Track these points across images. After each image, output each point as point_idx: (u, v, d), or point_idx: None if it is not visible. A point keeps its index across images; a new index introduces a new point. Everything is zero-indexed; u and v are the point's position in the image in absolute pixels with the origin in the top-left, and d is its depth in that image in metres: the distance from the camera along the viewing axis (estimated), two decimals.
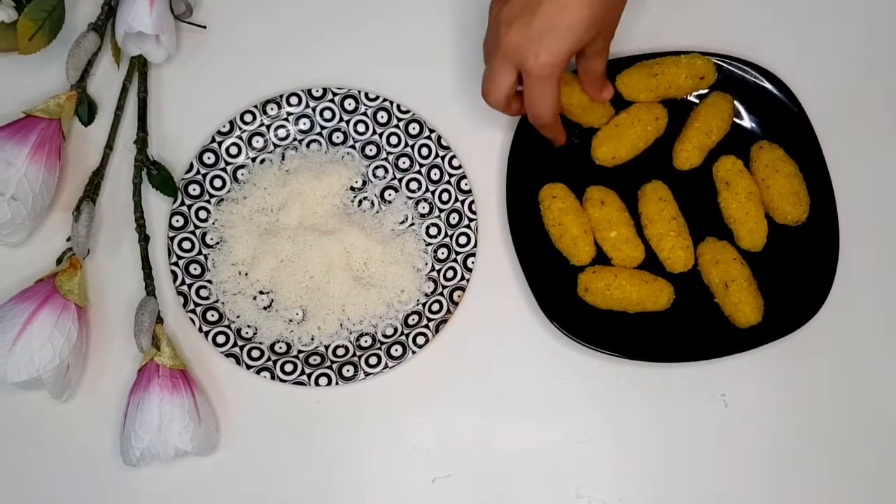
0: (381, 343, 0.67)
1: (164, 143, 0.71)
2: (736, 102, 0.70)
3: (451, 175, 0.70)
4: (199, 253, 0.69)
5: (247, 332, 0.67)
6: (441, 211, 0.70)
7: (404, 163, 0.71)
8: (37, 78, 0.72)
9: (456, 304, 0.67)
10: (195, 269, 0.69)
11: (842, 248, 0.66)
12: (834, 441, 0.65)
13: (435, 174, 0.71)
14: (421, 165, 0.71)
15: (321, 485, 0.65)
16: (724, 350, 0.65)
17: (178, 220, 0.69)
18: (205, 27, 0.73)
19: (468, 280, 0.68)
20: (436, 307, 0.68)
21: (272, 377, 0.65)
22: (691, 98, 0.71)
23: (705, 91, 0.70)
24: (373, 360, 0.66)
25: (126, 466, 0.62)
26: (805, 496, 0.64)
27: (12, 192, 0.64)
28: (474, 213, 0.69)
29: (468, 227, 0.69)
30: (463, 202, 0.70)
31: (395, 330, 0.67)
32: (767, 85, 0.70)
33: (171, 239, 0.69)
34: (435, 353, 0.67)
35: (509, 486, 0.64)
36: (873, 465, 0.65)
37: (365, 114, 0.72)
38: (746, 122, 0.70)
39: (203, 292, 0.68)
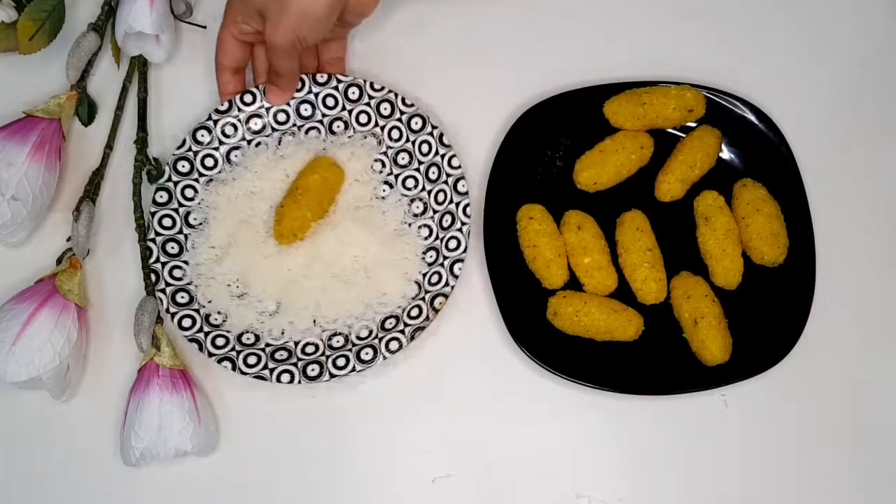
0: (354, 345, 0.65)
1: (163, 142, 0.71)
2: (723, 137, 0.69)
3: (448, 175, 0.68)
4: (180, 232, 0.67)
5: (216, 319, 0.66)
6: (435, 212, 0.68)
7: (403, 158, 0.69)
8: (37, 78, 0.72)
9: (436, 311, 0.65)
10: (172, 247, 0.67)
11: (818, 291, 0.66)
12: (835, 440, 0.65)
13: (433, 173, 0.69)
14: (420, 163, 0.69)
15: (321, 485, 0.65)
16: (689, 386, 0.64)
17: (161, 196, 0.67)
18: (205, 27, 0.73)
19: (453, 287, 0.65)
20: (415, 312, 0.65)
21: (233, 367, 0.64)
22: (677, 132, 0.70)
23: (693, 124, 0.70)
24: (340, 362, 0.64)
25: (126, 466, 0.62)
26: (805, 496, 0.64)
27: (12, 192, 0.64)
28: (468, 216, 0.67)
29: (460, 230, 0.67)
30: (458, 204, 0.67)
31: (370, 332, 0.65)
32: (756, 122, 0.69)
33: (153, 214, 0.67)
34: (436, 352, 0.67)
35: (509, 487, 0.64)
36: (874, 466, 0.65)
37: (368, 104, 0.70)
38: (732, 158, 0.70)
39: (177, 272, 0.67)
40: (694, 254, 0.68)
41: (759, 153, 0.69)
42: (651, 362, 0.65)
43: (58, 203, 0.69)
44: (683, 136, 0.70)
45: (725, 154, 0.70)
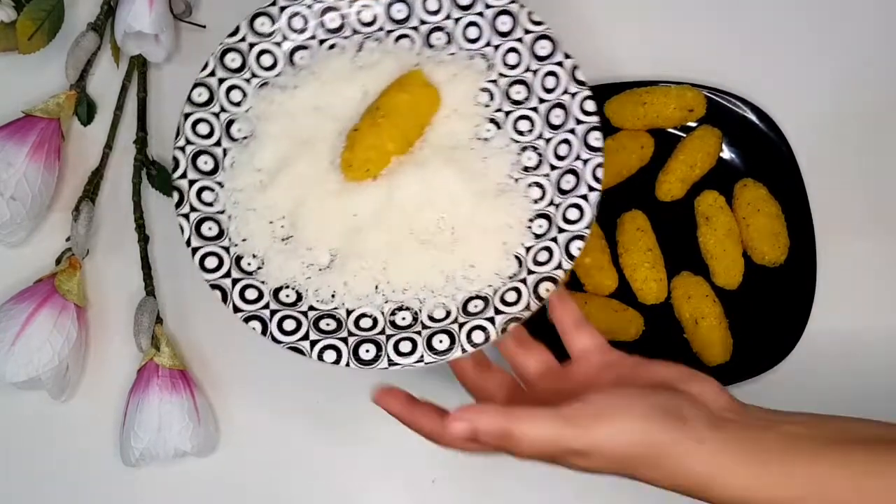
0: (425, 327, 0.51)
1: (163, 142, 0.71)
2: (723, 137, 0.69)
3: (579, 122, 0.54)
4: (218, 143, 0.54)
5: (249, 264, 0.53)
6: (553, 168, 0.53)
7: (519, 92, 0.55)
8: (36, 77, 0.71)
9: (541, 300, 0.51)
10: (205, 162, 0.54)
11: (818, 291, 0.65)
12: None
13: (557, 116, 0.54)
14: (541, 101, 0.55)
15: (321, 485, 0.65)
16: None
17: (200, 95, 0.55)
18: (204, 26, 0.73)
19: (566, 272, 0.51)
20: (511, 297, 0.51)
21: (264, 331, 0.51)
22: (677, 132, 0.70)
23: (694, 124, 0.69)
24: (405, 347, 0.51)
25: (125, 467, 0.62)
26: None
27: (11, 192, 0.64)
28: (598, 180, 0.52)
29: (584, 197, 0.52)
30: (586, 162, 0.53)
31: (447, 314, 0.52)
32: (757, 122, 0.69)
33: (186, 117, 0.54)
34: None
35: (509, 487, 0.64)
36: None
37: (482, 14, 0.56)
38: (732, 157, 0.69)
39: (207, 195, 0.54)
40: (694, 254, 0.68)
41: (760, 153, 0.69)
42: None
43: (57, 203, 0.69)
44: (684, 135, 0.69)
45: (726, 154, 0.70)
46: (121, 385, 0.65)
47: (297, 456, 0.65)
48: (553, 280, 0.51)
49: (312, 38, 0.57)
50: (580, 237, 0.52)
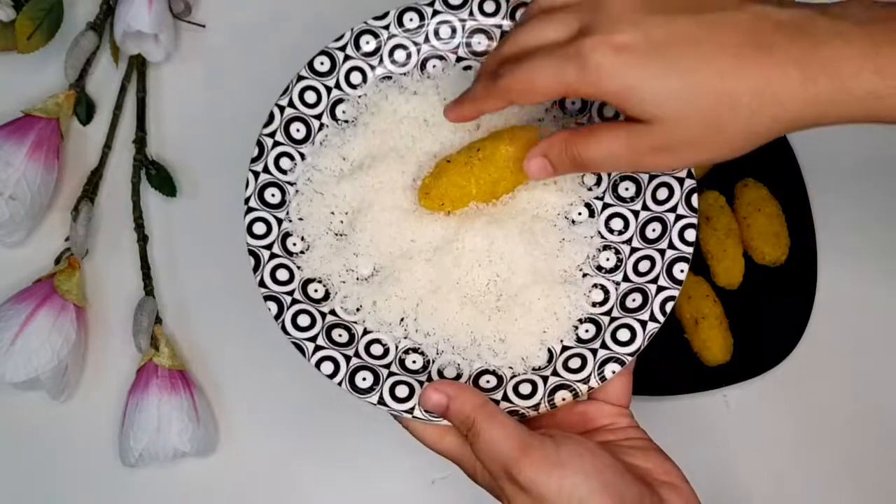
0: (430, 379, 0.49)
1: (162, 142, 0.71)
2: None
3: (672, 247, 0.50)
4: (318, 117, 0.53)
5: (293, 244, 0.52)
6: (626, 280, 0.50)
7: (627, 189, 0.51)
8: (35, 77, 0.71)
9: (552, 406, 0.47)
10: (298, 130, 0.53)
11: (819, 291, 0.65)
12: (836, 441, 0.65)
13: (654, 231, 0.51)
14: (645, 207, 0.50)
15: (320, 486, 0.65)
16: (690, 387, 0.64)
17: (322, 64, 0.54)
18: (203, 26, 0.73)
19: (590, 389, 0.47)
20: (525, 389, 0.48)
21: (277, 315, 0.49)
22: None
23: None
24: (401, 392, 0.48)
25: (125, 467, 0.62)
26: (806, 497, 0.64)
27: (10, 192, 0.64)
28: (665, 314, 0.48)
29: (642, 324, 0.48)
30: (660, 290, 0.48)
31: (458, 377, 0.49)
32: None
33: (299, 79, 0.53)
34: None
35: None
36: (876, 467, 0.65)
37: None
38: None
39: (284, 162, 0.52)
40: (695, 254, 0.67)
41: (761, 153, 0.68)
42: (652, 362, 0.65)
43: (56, 203, 0.69)
44: None
45: None
46: (120, 385, 0.65)
47: (297, 456, 0.65)
48: (574, 392, 0.47)
49: (454, 52, 0.55)
50: (619, 361, 0.47)
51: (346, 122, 0.54)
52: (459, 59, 0.55)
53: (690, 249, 0.49)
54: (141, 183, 0.69)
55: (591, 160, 0.46)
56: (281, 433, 0.65)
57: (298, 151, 0.53)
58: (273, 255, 0.51)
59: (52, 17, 0.70)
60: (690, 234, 0.49)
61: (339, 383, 0.48)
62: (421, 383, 0.48)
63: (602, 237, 0.51)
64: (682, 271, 0.49)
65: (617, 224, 0.51)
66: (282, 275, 0.50)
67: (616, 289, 0.49)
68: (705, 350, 0.64)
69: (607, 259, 0.50)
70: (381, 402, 0.48)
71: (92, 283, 0.68)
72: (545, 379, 0.48)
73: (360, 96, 0.54)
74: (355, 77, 0.54)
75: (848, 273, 0.68)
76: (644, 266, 0.49)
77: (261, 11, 0.74)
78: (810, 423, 0.65)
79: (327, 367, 0.49)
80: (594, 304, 0.49)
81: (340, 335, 0.50)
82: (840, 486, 0.64)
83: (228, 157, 0.69)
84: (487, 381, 0.48)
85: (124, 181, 0.69)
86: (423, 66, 0.55)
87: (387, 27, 0.54)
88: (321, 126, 0.53)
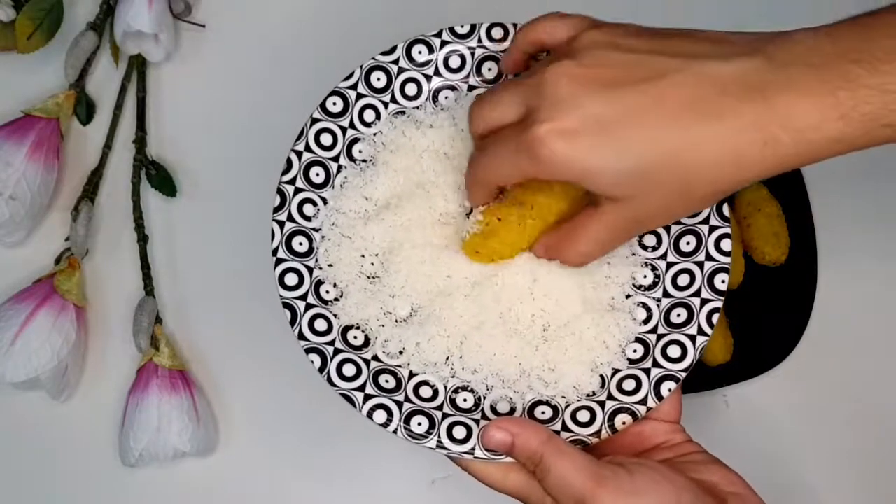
0: (485, 417, 0.48)
1: (162, 142, 0.71)
2: None
3: (710, 258, 0.49)
4: (335, 159, 0.51)
5: (327, 293, 0.50)
6: (667, 296, 0.49)
7: None
8: (35, 77, 0.71)
9: (614, 431, 0.47)
10: (317, 174, 0.51)
11: (819, 291, 0.65)
12: (836, 441, 0.65)
13: (688, 244, 0.50)
14: (677, 221, 0.50)
15: (320, 486, 0.65)
16: (690, 387, 0.64)
17: (335, 104, 0.52)
18: (203, 26, 0.73)
19: (649, 409, 0.47)
20: (584, 417, 0.47)
21: (321, 368, 0.48)
22: None
23: None
24: (459, 433, 0.47)
25: (125, 467, 0.62)
26: (806, 497, 0.64)
27: (10, 192, 0.64)
28: (712, 326, 0.47)
29: (692, 339, 0.47)
30: (704, 303, 0.48)
31: (511, 411, 0.48)
32: None
33: (313, 122, 0.52)
34: None
35: None
36: (876, 467, 0.65)
37: None
38: None
39: (308, 209, 0.51)
40: None
41: None
42: None
43: (56, 203, 0.69)
44: None
45: None
46: (120, 385, 0.65)
47: (297, 456, 0.65)
48: (633, 414, 0.46)
49: (465, 81, 0.53)
50: (674, 378, 0.47)
51: (364, 161, 0.52)
52: (471, 88, 0.54)
53: (728, 259, 0.48)
54: (141, 183, 0.69)
55: (585, 257, 0.47)
56: (281, 433, 0.65)
57: (320, 196, 0.51)
58: (309, 306, 0.49)
59: (52, 17, 0.70)
60: (726, 244, 0.49)
61: (395, 431, 0.47)
62: (477, 422, 0.47)
63: (638, 255, 0.50)
64: (722, 282, 0.48)
65: (650, 240, 0.50)
66: (320, 325, 0.49)
67: (658, 305, 0.49)
68: (705, 350, 0.64)
69: (644, 276, 0.50)
70: (440, 445, 0.47)
71: (92, 283, 0.68)
72: (602, 404, 0.47)
73: (374, 134, 0.53)
74: (369, 115, 0.53)
75: (848, 273, 0.68)
76: (683, 280, 0.49)
77: (261, 11, 0.74)
78: (810, 424, 0.65)
79: (380, 417, 0.47)
80: (641, 322, 0.49)
81: (387, 381, 0.49)
82: (840, 485, 0.64)
83: (228, 157, 0.70)
84: (543, 413, 0.47)
85: (124, 181, 0.69)
86: (434, 97, 0.54)
87: (396, 62, 0.53)
88: (339, 168, 0.52)
